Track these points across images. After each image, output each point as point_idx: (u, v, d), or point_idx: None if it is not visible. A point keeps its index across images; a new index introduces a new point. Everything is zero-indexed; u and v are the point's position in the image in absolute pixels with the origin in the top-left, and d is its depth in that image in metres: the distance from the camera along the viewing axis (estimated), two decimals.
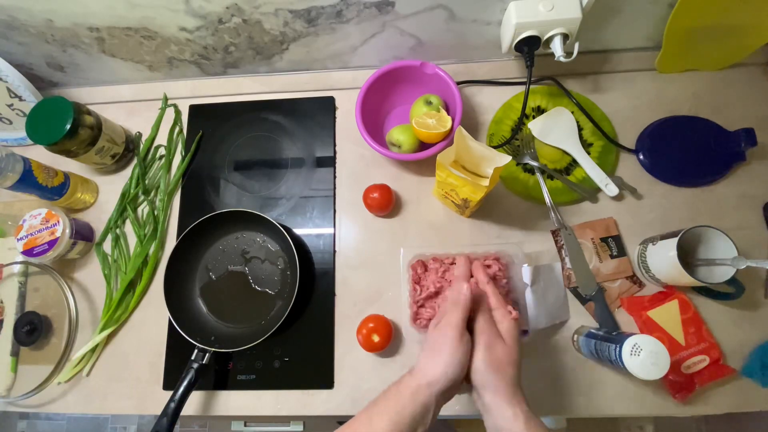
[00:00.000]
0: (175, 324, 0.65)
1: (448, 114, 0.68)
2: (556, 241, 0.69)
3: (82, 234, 0.73)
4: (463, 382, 0.45)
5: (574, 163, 0.71)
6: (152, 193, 0.77)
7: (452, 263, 0.65)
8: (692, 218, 0.68)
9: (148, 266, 0.73)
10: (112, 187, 0.78)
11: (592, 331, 0.61)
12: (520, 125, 0.71)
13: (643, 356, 0.51)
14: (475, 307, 0.49)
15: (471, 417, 0.65)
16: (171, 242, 0.75)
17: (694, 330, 0.62)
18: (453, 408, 0.63)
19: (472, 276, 0.54)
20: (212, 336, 0.67)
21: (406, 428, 0.41)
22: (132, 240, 0.75)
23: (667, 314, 0.63)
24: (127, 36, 0.70)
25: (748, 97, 0.72)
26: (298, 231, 0.73)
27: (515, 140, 0.73)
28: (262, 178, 0.77)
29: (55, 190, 0.72)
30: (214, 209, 0.72)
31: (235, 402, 0.67)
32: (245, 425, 0.93)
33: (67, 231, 0.69)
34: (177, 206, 0.77)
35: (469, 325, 0.48)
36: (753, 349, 0.62)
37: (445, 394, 0.44)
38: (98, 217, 0.77)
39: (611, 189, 0.68)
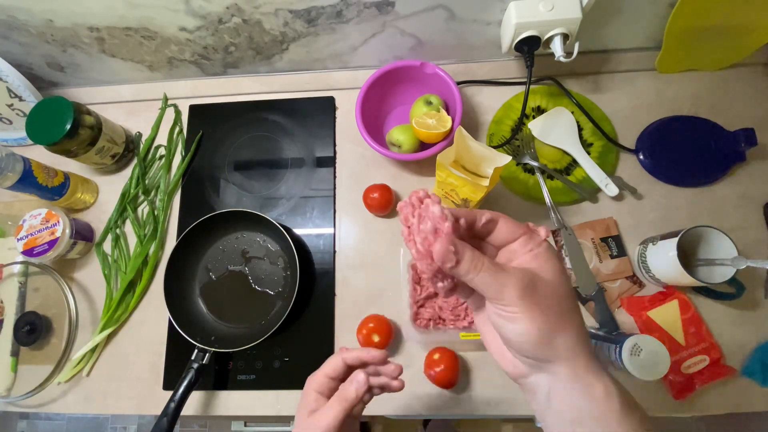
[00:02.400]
0: (175, 324, 0.65)
1: (448, 114, 0.68)
2: (556, 241, 0.69)
3: (82, 234, 0.73)
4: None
5: (574, 163, 0.71)
6: (152, 193, 0.77)
7: None
8: (692, 218, 0.68)
9: (148, 266, 0.73)
10: (112, 187, 0.78)
11: (592, 331, 0.61)
12: (520, 125, 0.71)
13: (643, 356, 0.51)
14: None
15: (471, 417, 0.65)
16: (171, 242, 0.75)
17: (694, 330, 0.62)
18: (455, 408, 0.63)
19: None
20: (212, 336, 0.67)
21: None
22: (132, 240, 0.75)
23: (667, 314, 0.63)
24: (127, 36, 0.70)
25: (748, 97, 0.72)
26: (298, 231, 0.73)
27: (515, 140, 0.73)
28: (262, 178, 0.77)
29: (55, 190, 0.72)
30: (214, 209, 0.72)
31: (235, 402, 0.67)
32: (245, 425, 0.93)
33: (67, 231, 0.69)
34: (177, 206, 0.77)
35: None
36: (753, 349, 0.62)
37: None
38: (98, 217, 0.77)
39: (611, 189, 0.68)
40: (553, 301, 0.29)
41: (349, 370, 0.41)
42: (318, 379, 0.41)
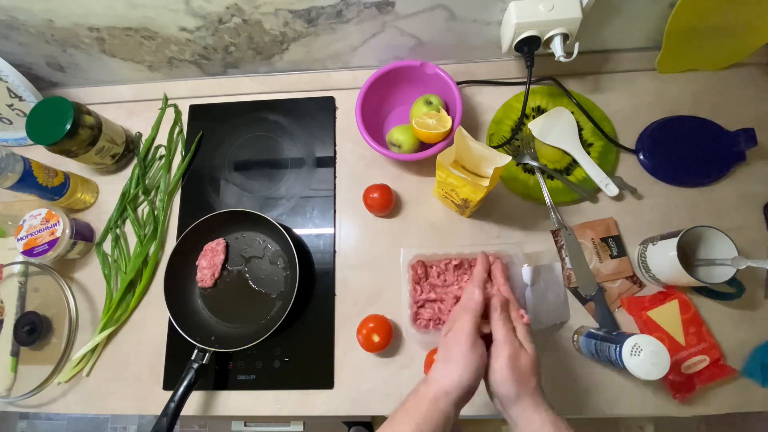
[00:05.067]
0: (175, 324, 0.65)
1: (448, 114, 0.68)
2: (556, 241, 0.69)
3: (82, 234, 0.73)
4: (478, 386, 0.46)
5: (574, 163, 0.71)
6: (152, 193, 0.77)
7: (454, 264, 0.65)
8: (692, 218, 0.68)
9: (148, 266, 0.73)
10: (112, 187, 0.78)
11: (592, 331, 0.61)
12: (520, 125, 0.71)
13: (643, 356, 0.51)
14: (488, 311, 0.48)
15: (475, 417, 0.65)
16: (171, 242, 0.75)
17: (694, 330, 0.62)
18: None
19: (489, 275, 0.54)
20: (212, 336, 0.67)
21: None
22: (132, 240, 0.75)
23: (667, 314, 0.63)
24: (127, 36, 0.70)
25: (748, 97, 0.72)
26: (298, 231, 0.73)
27: (515, 140, 0.73)
28: (262, 178, 0.77)
29: (55, 190, 0.72)
30: (214, 209, 0.72)
31: (235, 402, 0.67)
32: (245, 425, 0.93)
33: (67, 231, 0.69)
34: (177, 206, 0.77)
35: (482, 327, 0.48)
36: (753, 349, 0.62)
37: (463, 401, 0.44)
38: (98, 217, 0.77)
39: (611, 189, 0.68)
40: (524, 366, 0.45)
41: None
42: (474, 314, 0.47)
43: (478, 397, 0.63)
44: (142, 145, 0.80)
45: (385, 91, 0.73)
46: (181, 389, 0.60)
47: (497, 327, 0.46)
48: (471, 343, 0.44)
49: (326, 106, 0.79)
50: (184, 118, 0.82)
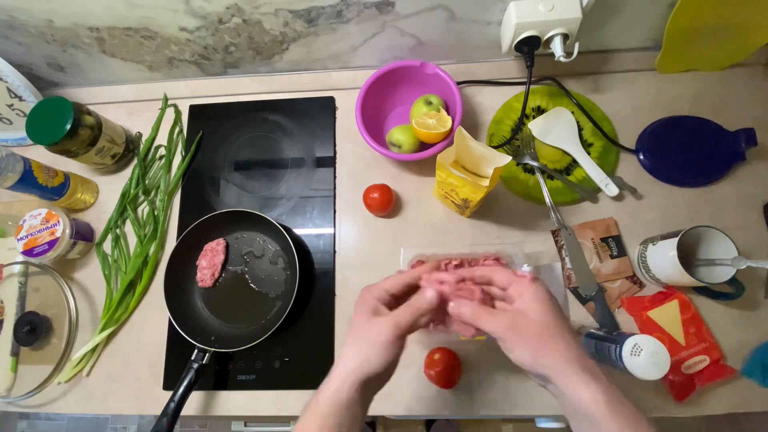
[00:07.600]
0: (175, 324, 0.65)
1: (448, 114, 0.68)
2: (556, 241, 0.69)
3: (82, 234, 0.73)
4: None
5: (574, 163, 0.71)
6: (152, 193, 0.77)
7: (454, 264, 0.65)
8: (692, 218, 0.68)
9: (148, 266, 0.73)
10: (112, 187, 0.78)
11: (592, 331, 0.61)
12: (520, 125, 0.71)
13: (644, 356, 0.51)
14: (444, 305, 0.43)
15: (471, 417, 0.65)
16: (171, 242, 0.75)
17: (694, 330, 0.62)
18: (455, 408, 0.63)
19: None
20: (212, 336, 0.67)
21: None
22: (132, 240, 0.75)
23: (667, 314, 0.63)
24: (127, 36, 0.70)
25: (748, 97, 0.72)
26: (298, 231, 0.73)
27: (515, 140, 0.73)
28: (262, 178, 0.77)
29: (55, 190, 0.72)
30: (214, 209, 0.72)
31: (235, 402, 0.67)
32: (245, 425, 0.93)
33: (67, 231, 0.69)
34: (177, 206, 0.77)
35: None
36: (753, 349, 0.62)
37: (372, 384, 0.41)
38: (98, 217, 0.77)
39: (611, 189, 0.68)
40: (534, 333, 0.37)
41: (405, 292, 0.44)
42: (378, 291, 0.43)
43: (479, 396, 0.63)
44: (142, 145, 0.80)
45: (385, 91, 0.73)
46: (181, 389, 0.60)
47: (477, 318, 0.40)
48: (363, 320, 0.40)
49: (326, 106, 0.79)
50: (184, 118, 0.82)
